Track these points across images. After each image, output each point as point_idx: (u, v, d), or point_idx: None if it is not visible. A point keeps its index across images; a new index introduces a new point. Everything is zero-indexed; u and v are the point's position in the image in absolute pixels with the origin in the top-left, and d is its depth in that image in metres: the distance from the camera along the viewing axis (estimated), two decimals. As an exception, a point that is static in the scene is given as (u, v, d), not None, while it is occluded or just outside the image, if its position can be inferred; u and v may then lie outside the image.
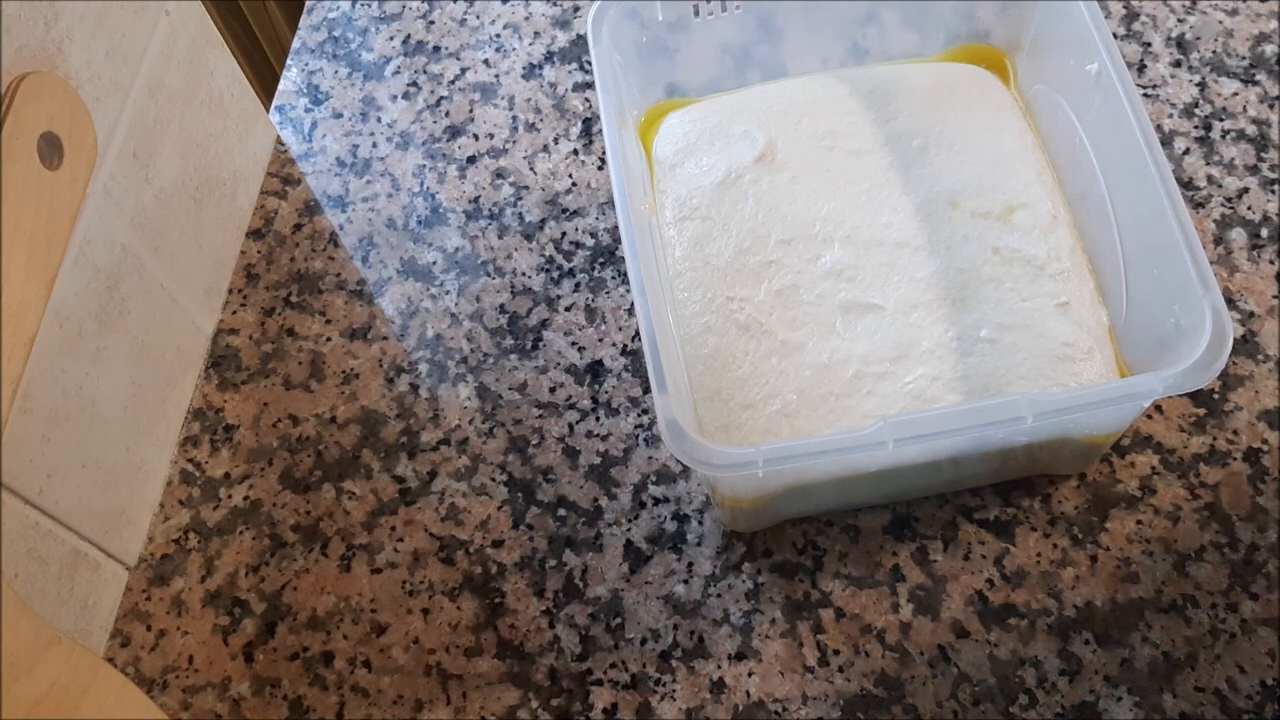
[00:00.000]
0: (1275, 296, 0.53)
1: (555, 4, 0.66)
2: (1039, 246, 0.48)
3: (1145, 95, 0.59)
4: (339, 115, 0.64)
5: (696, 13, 0.53)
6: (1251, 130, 0.57)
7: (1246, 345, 0.52)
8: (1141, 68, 0.60)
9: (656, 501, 0.51)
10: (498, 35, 0.66)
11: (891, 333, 0.47)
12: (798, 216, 0.51)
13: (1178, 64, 0.60)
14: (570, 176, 0.60)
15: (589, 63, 0.64)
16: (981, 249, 0.49)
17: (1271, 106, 0.58)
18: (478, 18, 0.66)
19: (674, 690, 0.47)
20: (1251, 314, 0.52)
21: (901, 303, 0.48)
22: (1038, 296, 0.47)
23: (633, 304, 0.55)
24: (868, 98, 0.54)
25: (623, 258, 0.57)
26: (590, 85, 0.63)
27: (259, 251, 0.60)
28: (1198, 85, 0.59)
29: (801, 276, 0.49)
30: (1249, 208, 0.55)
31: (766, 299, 0.49)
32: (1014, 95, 0.54)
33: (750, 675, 0.47)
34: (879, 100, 0.53)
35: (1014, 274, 0.48)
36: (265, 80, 0.88)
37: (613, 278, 0.57)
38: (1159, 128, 0.58)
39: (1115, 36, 0.61)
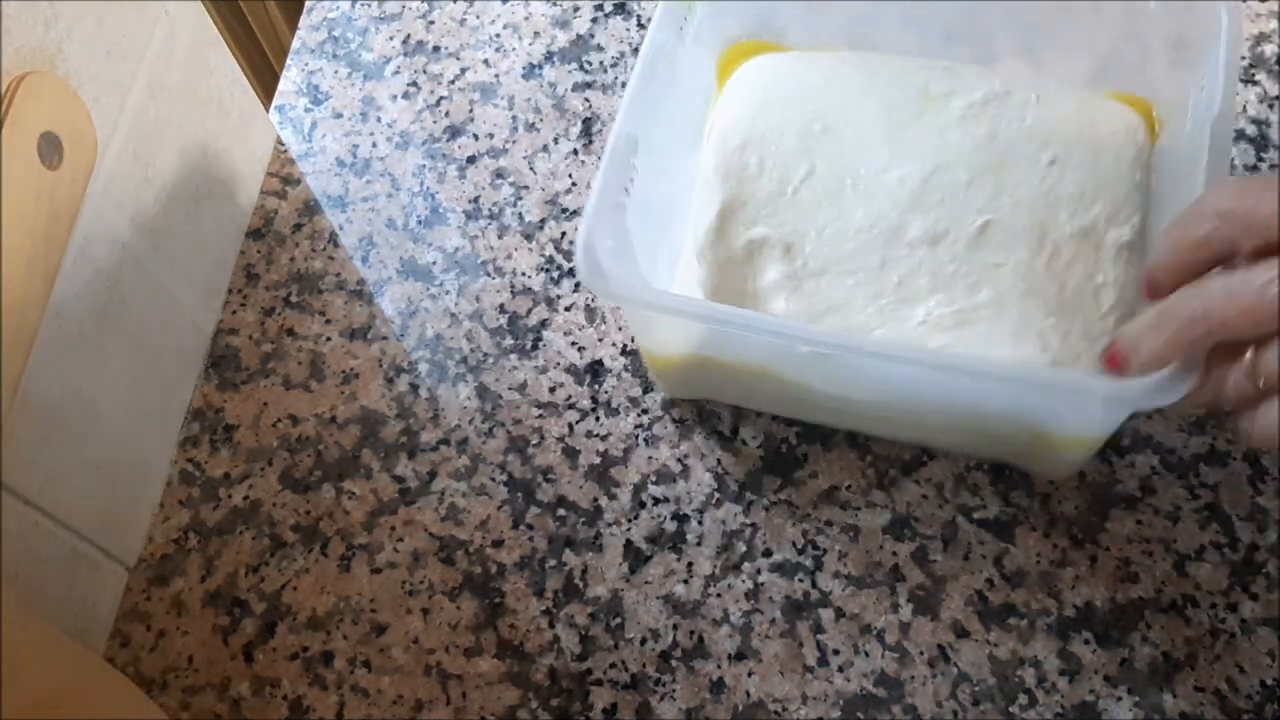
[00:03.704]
0: (1275, 296, 0.53)
1: (555, 4, 0.66)
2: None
3: (1145, 95, 0.59)
4: (339, 115, 0.64)
5: None
6: (1251, 130, 0.57)
7: (1246, 345, 0.51)
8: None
9: (656, 501, 0.51)
10: (498, 35, 0.66)
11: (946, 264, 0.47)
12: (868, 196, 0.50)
13: (1177, 64, 0.60)
14: (570, 176, 0.60)
15: (589, 63, 0.64)
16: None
17: (1271, 106, 0.58)
18: (478, 18, 0.66)
19: (674, 690, 0.47)
20: (1251, 314, 0.52)
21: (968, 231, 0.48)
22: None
23: (633, 304, 0.56)
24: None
25: (623, 258, 0.57)
26: (590, 85, 0.63)
27: (259, 251, 0.60)
28: (1197, 85, 0.59)
29: (859, 201, 0.49)
30: (1249, 208, 0.55)
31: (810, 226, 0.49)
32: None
33: (750, 675, 0.47)
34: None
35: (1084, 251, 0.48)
36: (265, 80, 0.88)
37: (613, 278, 0.57)
38: (1159, 128, 0.58)
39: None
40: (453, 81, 0.64)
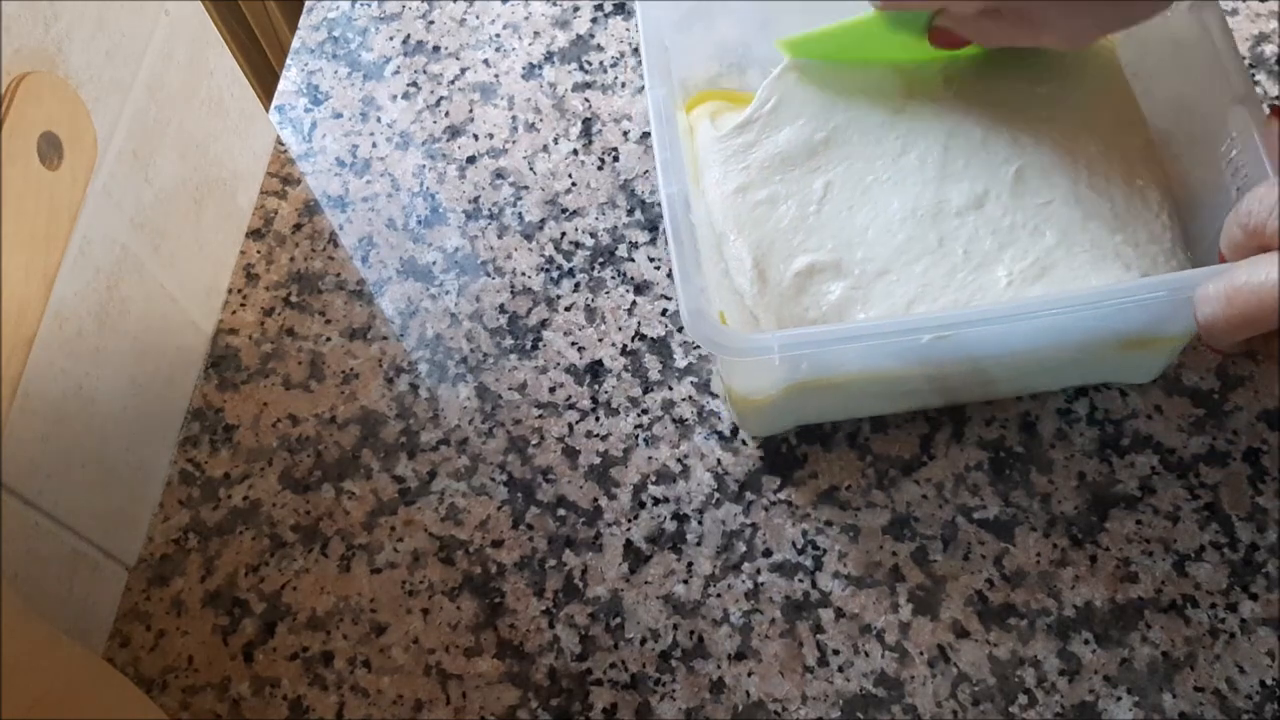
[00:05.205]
0: (1275, 296, 0.53)
1: (555, 4, 0.66)
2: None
3: (1145, 95, 0.59)
4: (339, 115, 0.64)
5: None
6: (1251, 130, 0.57)
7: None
8: (1141, 68, 0.60)
9: (656, 501, 0.51)
10: (497, 35, 0.66)
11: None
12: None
13: (1177, 64, 0.60)
14: (570, 176, 0.60)
15: (589, 63, 0.64)
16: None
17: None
18: (477, 18, 0.66)
19: (674, 690, 0.47)
20: (1251, 314, 0.52)
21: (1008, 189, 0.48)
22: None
23: (634, 303, 0.56)
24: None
25: (623, 257, 0.57)
26: (590, 85, 0.63)
27: (259, 251, 0.60)
28: (1197, 85, 0.59)
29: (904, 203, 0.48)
30: (1249, 208, 0.55)
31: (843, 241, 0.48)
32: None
33: (750, 675, 0.47)
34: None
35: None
36: (265, 80, 0.88)
37: (612, 278, 0.57)
38: (1159, 128, 0.58)
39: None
40: (453, 81, 0.64)
